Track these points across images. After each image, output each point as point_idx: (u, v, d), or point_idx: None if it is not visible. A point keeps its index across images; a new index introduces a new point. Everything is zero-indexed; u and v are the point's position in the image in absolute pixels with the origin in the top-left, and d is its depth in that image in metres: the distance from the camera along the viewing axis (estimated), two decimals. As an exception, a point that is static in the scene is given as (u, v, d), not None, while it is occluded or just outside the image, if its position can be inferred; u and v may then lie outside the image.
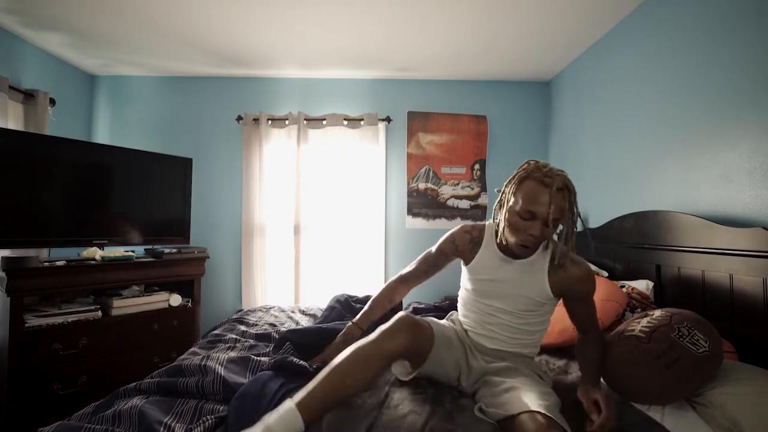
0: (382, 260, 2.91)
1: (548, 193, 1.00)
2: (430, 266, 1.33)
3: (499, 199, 1.14)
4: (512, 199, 1.07)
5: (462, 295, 1.32)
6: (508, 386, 1.02)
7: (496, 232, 1.17)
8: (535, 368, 1.20)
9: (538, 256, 1.15)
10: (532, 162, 1.08)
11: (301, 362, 1.19)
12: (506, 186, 1.11)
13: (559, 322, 1.51)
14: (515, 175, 1.09)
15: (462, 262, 1.29)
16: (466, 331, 1.26)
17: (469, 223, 1.28)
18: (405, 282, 1.36)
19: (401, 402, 1.07)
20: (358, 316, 1.34)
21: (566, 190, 1.03)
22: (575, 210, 1.05)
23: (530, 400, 0.93)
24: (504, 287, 1.16)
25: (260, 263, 2.87)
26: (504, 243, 1.12)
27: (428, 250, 1.34)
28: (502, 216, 1.10)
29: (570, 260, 1.12)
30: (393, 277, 1.38)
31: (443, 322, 1.32)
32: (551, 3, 1.96)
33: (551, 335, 1.52)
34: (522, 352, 1.20)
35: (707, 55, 1.55)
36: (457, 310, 1.37)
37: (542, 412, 0.87)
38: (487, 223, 1.26)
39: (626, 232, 1.90)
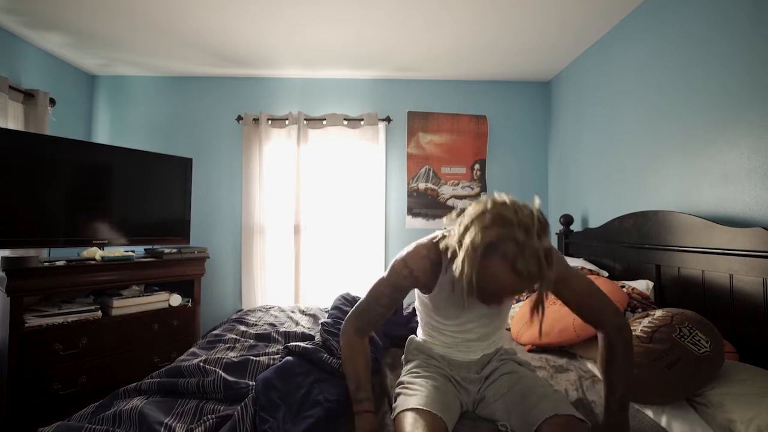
0: (382, 260, 2.90)
1: (518, 281, 0.79)
2: (385, 308, 1.04)
3: (459, 235, 0.86)
4: (470, 267, 0.80)
5: (425, 320, 1.16)
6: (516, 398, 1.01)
7: (447, 248, 0.92)
8: (512, 355, 1.19)
9: None
10: (504, 215, 0.79)
11: (332, 359, 1.21)
12: (465, 232, 0.83)
13: (559, 321, 1.51)
14: (480, 231, 0.79)
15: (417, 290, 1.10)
16: (442, 356, 1.14)
17: (423, 241, 1.02)
18: (362, 335, 1.07)
19: None
20: (358, 403, 1.00)
21: (540, 264, 0.78)
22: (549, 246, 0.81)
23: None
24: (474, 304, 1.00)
25: (260, 263, 2.86)
26: None
27: (378, 284, 1.05)
28: (459, 261, 0.83)
29: None
30: (346, 334, 1.07)
31: (421, 381, 1.05)
32: (554, 1, 1.96)
33: (551, 335, 1.52)
34: (499, 346, 1.18)
35: (707, 54, 1.55)
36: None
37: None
38: (438, 240, 0.98)
39: (626, 232, 1.90)
